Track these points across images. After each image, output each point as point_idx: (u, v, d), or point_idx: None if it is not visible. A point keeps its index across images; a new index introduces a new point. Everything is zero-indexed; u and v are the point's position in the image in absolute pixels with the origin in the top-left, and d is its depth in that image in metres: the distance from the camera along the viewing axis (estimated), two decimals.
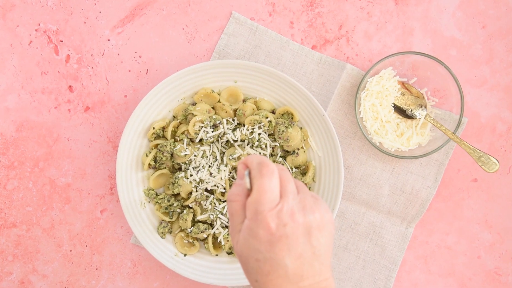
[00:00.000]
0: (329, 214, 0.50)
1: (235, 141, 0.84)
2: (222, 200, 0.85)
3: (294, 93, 0.83)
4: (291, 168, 0.83)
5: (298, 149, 0.84)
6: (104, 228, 0.90)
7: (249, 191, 0.49)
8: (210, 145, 0.84)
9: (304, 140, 0.84)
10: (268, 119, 0.82)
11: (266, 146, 0.82)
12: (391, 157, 0.88)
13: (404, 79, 0.87)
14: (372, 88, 0.84)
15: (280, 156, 0.84)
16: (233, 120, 0.85)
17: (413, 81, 0.87)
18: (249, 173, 0.49)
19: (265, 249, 0.47)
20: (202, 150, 0.84)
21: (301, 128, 0.85)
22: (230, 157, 0.80)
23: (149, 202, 0.86)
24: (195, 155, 0.84)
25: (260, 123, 0.82)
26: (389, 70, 0.86)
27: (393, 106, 0.86)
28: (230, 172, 0.84)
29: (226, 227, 0.84)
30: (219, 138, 0.84)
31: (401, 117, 0.87)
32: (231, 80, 0.85)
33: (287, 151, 0.84)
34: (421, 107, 0.86)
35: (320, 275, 0.48)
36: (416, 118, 0.86)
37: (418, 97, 0.86)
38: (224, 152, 0.86)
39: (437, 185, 0.88)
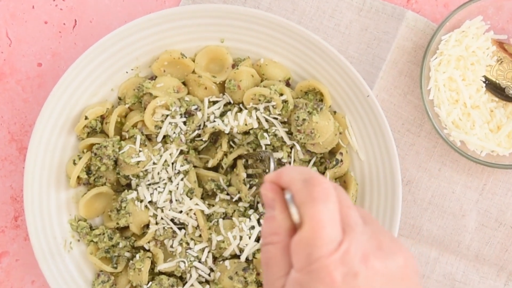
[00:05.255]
0: (413, 258, 0.52)
1: (227, 136, 0.84)
2: (197, 240, 0.84)
3: (319, 59, 0.83)
4: None
5: (341, 153, 0.84)
6: (4, 284, 0.89)
7: (294, 226, 0.51)
8: (180, 147, 0.84)
9: (340, 133, 0.84)
10: (283, 97, 0.82)
11: (281, 147, 0.83)
12: (480, 165, 0.87)
13: (502, 37, 0.86)
14: (450, 52, 0.83)
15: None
16: (223, 96, 0.85)
17: None
18: (293, 198, 0.51)
19: None
20: (166, 154, 0.83)
21: (335, 112, 0.85)
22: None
23: (78, 240, 0.85)
24: (154, 163, 0.83)
25: (269, 101, 0.81)
26: (477, 21, 0.84)
27: (484, 82, 0.85)
28: (209, 194, 0.85)
29: (207, 282, 0.84)
30: (195, 134, 0.85)
31: (497, 99, 0.86)
32: (215, 38, 0.84)
33: (313, 153, 0.85)
34: None
35: None
36: None
37: None
38: (201, 158, 0.86)
39: None
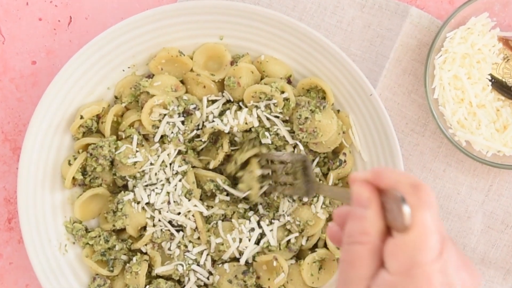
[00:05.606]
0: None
1: (227, 135, 0.84)
2: (196, 242, 0.84)
3: (321, 57, 0.83)
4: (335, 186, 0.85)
5: (344, 153, 0.84)
6: None
7: (385, 229, 0.53)
8: (178, 147, 0.84)
9: (343, 132, 0.84)
10: (284, 95, 0.82)
11: (284, 146, 0.84)
12: (486, 166, 0.87)
13: (509, 34, 0.86)
14: (455, 49, 0.83)
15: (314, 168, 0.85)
16: (222, 94, 0.86)
17: None
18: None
19: None
20: (164, 154, 0.83)
21: (338, 111, 0.85)
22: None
23: (74, 243, 0.85)
24: (151, 164, 0.83)
25: (270, 99, 0.81)
26: (483, 18, 0.84)
27: (490, 80, 0.85)
28: (208, 195, 0.85)
29: (206, 286, 0.84)
30: (194, 134, 0.85)
31: (503, 97, 0.86)
32: (214, 35, 0.85)
33: (316, 153, 0.85)
34: None
35: None
36: None
37: None
38: (200, 160, 0.87)
39: None
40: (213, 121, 0.82)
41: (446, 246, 0.51)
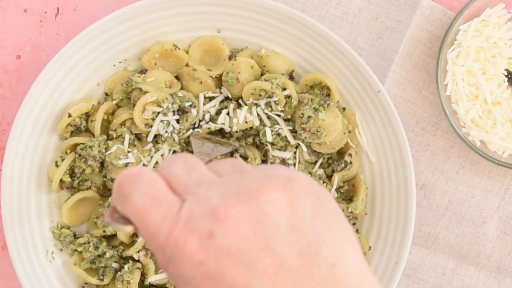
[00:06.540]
0: (302, 179, 0.49)
1: (226, 137, 0.85)
2: None
3: (326, 51, 0.84)
4: (340, 189, 0.86)
5: (350, 154, 0.84)
6: None
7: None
8: (173, 147, 0.84)
9: (349, 131, 0.85)
10: (286, 92, 0.82)
11: (286, 147, 0.84)
12: (502, 167, 0.88)
13: None
14: (468, 43, 0.83)
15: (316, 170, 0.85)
16: (220, 91, 0.86)
17: None
18: (113, 211, 0.51)
19: None
20: (157, 155, 0.84)
21: (344, 108, 0.86)
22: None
23: (61, 250, 0.85)
24: (144, 165, 0.83)
25: (270, 96, 0.82)
26: (498, 9, 0.84)
27: (506, 76, 0.86)
28: None
29: None
30: (191, 133, 0.85)
31: None
32: (211, 27, 0.85)
33: (320, 154, 0.85)
34: None
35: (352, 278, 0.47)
36: None
37: None
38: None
39: None
40: (209, 122, 0.82)
41: (186, 200, 0.48)
